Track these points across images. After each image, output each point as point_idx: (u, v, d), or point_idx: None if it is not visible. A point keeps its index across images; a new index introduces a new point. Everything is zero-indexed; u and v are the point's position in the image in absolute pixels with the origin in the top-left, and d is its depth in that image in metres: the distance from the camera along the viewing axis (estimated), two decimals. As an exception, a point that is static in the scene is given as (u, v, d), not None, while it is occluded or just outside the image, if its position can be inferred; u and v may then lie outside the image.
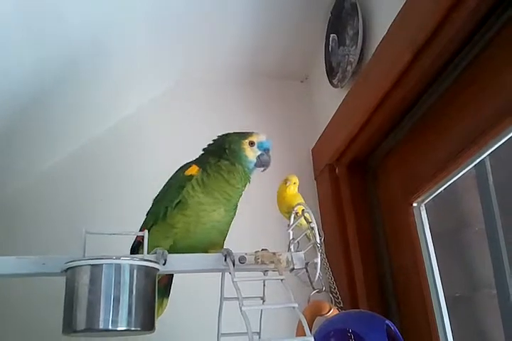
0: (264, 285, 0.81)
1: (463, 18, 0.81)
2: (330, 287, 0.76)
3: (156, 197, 0.87)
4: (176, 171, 0.86)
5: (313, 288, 0.77)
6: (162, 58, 1.42)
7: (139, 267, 0.66)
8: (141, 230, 0.82)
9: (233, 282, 0.69)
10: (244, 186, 0.84)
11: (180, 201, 0.79)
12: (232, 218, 0.86)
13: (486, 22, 0.83)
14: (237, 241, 0.85)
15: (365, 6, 1.15)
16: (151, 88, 1.48)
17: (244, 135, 0.84)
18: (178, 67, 1.49)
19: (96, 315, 0.62)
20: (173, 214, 0.79)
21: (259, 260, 0.78)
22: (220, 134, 0.89)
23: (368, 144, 1.18)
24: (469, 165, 0.93)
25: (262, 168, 0.85)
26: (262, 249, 0.81)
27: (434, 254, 1.05)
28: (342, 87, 1.24)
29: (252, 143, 0.83)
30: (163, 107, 1.47)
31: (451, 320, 1.01)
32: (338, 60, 1.28)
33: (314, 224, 0.77)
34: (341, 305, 0.73)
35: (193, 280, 0.87)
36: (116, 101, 1.43)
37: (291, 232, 0.85)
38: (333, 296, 0.75)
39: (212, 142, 0.89)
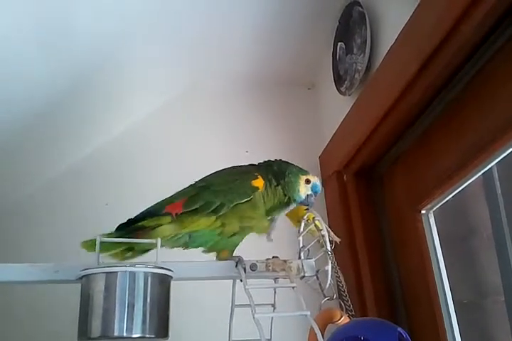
0: (274, 292, 0.81)
1: (470, 29, 0.83)
2: (341, 294, 0.77)
3: (202, 184, 0.83)
4: (242, 170, 0.85)
5: (324, 295, 0.77)
6: (169, 67, 1.44)
7: (153, 274, 0.67)
8: (169, 203, 0.80)
9: (245, 289, 0.70)
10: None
11: (236, 205, 0.80)
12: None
13: (493, 34, 0.84)
14: (247, 249, 0.85)
15: (373, 15, 1.16)
16: (158, 96, 1.50)
17: (302, 171, 0.86)
18: (185, 76, 1.51)
19: (111, 323, 0.63)
20: (226, 213, 0.79)
21: (270, 267, 0.79)
22: (277, 159, 0.89)
23: (376, 151, 1.18)
24: (477, 173, 0.94)
25: (305, 207, 0.87)
26: (273, 257, 0.82)
27: (442, 261, 1.05)
28: (350, 95, 1.25)
29: (308, 181, 0.85)
30: (170, 116, 1.48)
31: (460, 326, 1.01)
32: (346, 68, 1.29)
33: (325, 232, 0.78)
34: (352, 312, 0.74)
35: (202, 287, 0.88)
36: (122, 111, 1.44)
37: (301, 239, 0.85)
38: (345, 304, 0.75)
39: (272, 161, 0.89)
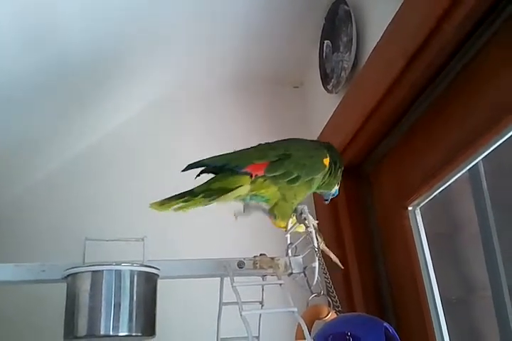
0: (262, 289, 0.82)
1: (454, 26, 0.84)
2: (328, 291, 0.77)
3: (283, 152, 0.81)
4: (315, 145, 0.87)
5: (311, 292, 0.77)
6: (156, 66, 1.43)
7: (140, 273, 0.67)
8: (251, 162, 0.78)
9: (232, 287, 0.70)
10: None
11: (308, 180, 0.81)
12: None
13: (476, 32, 0.85)
14: (235, 246, 0.85)
15: (359, 14, 1.16)
16: (146, 95, 1.50)
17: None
18: (171, 74, 1.50)
19: (97, 321, 0.62)
20: (301, 187, 0.80)
21: (258, 265, 0.79)
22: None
23: (363, 149, 1.19)
24: (463, 169, 0.95)
25: (326, 201, 0.92)
26: (261, 254, 0.82)
27: (429, 257, 1.06)
28: (337, 93, 1.26)
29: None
30: (156, 115, 1.48)
31: (447, 322, 1.02)
32: (332, 66, 1.30)
33: (312, 229, 0.78)
34: (340, 308, 0.74)
35: (190, 284, 0.88)
36: (112, 109, 1.44)
37: (288, 236, 0.86)
38: (332, 300, 0.75)
39: (326, 142, 0.92)
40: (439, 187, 1.02)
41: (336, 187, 0.90)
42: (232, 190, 0.75)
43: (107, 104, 1.40)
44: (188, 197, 0.74)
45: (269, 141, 0.88)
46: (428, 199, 1.06)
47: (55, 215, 1.27)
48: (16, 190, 1.29)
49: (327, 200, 0.93)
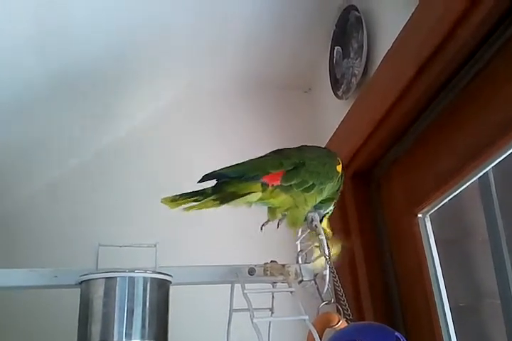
0: (272, 296, 0.82)
1: (466, 34, 0.83)
2: (338, 299, 0.77)
3: (298, 161, 0.81)
4: (327, 153, 0.87)
5: (322, 299, 0.78)
6: (165, 72, 1.44)
7: (152, 280, 0.68)
8: (267, 173, 0.77)
9: (243, 294, 0.70)
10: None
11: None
12: None
13: (490, 38, 0.85)
14: (245, 252, 0.86)
15: (370, 20, 1.17)
16: (156, 98, 1.50)
17: None
18: (182, 78, 1.51)
19: (110, 328, 0.63)
20: (313, 194, 0.80)
21: (269, 272, 0.79)
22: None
23: (373, 155, 1.19)
24: (474, 177, 0.95)
25: None
26: (271, 261, 0.83)
27: (439, 265, 1.06)
28: (346, 99, 1.26)
29: None
30: (167, 118, 1.48)
31: (456, 329, 1.02)
32: (343, 72, 1.30)
33: (323, 236, 0.78)
34: (350, 316, 0.74)
35: (201, 291, 0.88)
36: (121, 113, 1.45)
37: (298, 244, 0.86)
38: (342, 308, 0.75)
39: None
40: (449, 195, 1.01)
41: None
42: (243, 195, 0.75)
43: (117, 110, 1.41)
44: (199, 197, 0.73)
45: (280, 148, 0.88)
46: (438, 207, 1.06)
47: (67, 220, 1.27)
48: (29, 195, 1.30)
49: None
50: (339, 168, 0.83)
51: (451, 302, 1.03)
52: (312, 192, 0.79)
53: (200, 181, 0.76)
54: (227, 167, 0.78)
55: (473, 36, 0.84)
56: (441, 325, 1.01)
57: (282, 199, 0.79)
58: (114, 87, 1.32)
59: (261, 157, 0.83)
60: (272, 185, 0.76)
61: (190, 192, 0.74)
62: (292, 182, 0.77)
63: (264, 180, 0.76)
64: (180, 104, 1.51)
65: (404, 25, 0.98)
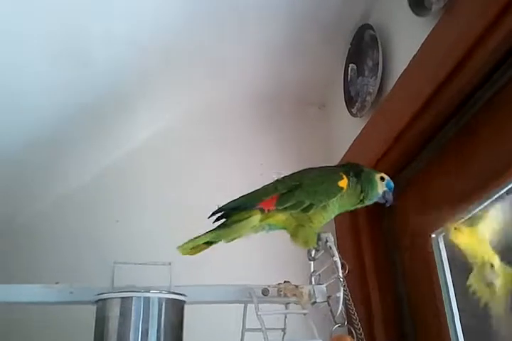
0: (285, 317, 0.82)
1: (485, 54, 0.83)
2: (352, 321, 0.77)
3: (293, 183, 0.85)
4: (327, 173, 0.87)
5: (335, 322, 0.77)
6: (180, 82, 1.46)
7: (168, 300, 0.68)
8: (262, 200, 0.82)
9: (257, 315, 0.70)
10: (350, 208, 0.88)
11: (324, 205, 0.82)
12: None
13: (508, 58, 0.85)
14: (258, 271, 0.86)
15: (385, 39, 1.17)
16: (168, 112, 1.52)
17: (375, 170, 0.90)
18: (196, 92, 1.53)
19: (125, 349, 0.63)
20: (316, 212, 0.82)
21: (282, 292, 0.79)
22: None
23: (387, 174, 1.19)
24: (490, 198, 0.94)
25: (387, 203, 0.91)
26: (285, 281, 0.82)
27: (452, 286, 1.05)
28: (361, 117, 1.26)
29: (382, 179, 0.88)
30: (184, 132, 1.50)
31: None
32: (357, 90, 1.30)
33: (337, 258, 0.78)
34: (363, 340, 0.74)
35: (211, 311, 0.88)
36: (130, 128, 1.46)
37: (312, 264, 0.86)
38: (356, 331, 0.75)
39: (345, 163, 0.94)
40: (465, 216, 1.01)
41: (378, 190, 0.88)
42: (244, 219, 0.81)
43: (134, 125, 1.43)
44: (210, 234, 0.79)
45: (287, 174, 0.90)
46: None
47: (83, 236, 1.28)
48: (44, 210, 1.31)
49: (386, 202, 0.91)
50: (342, 183, 0.83)
51: (463, 324, 1.02)
52: (312, 211, 0.81)
53: (209, 217, 0.82)
54: (228, 202, 0.83)
55: (491, 57, 0.84)
56: None
57: (283, 219, 0.82)
58: (122, 101, 1.34)
59: (265, 185, 0.87)
60: (268, 210, 0.81)
61: (201, 236, 0.80)
62: (287, 205, 0.81)
63: (260, 206, 0.81)
64: (196, 120, 1.52)
65: (422, 44, 0.98)
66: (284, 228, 0.84)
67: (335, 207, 0.85)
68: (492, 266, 0.84)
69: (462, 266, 1.10)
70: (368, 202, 0.88)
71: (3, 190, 1.23)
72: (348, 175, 0.85)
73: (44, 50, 1.01)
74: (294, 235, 0.83)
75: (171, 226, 1.22)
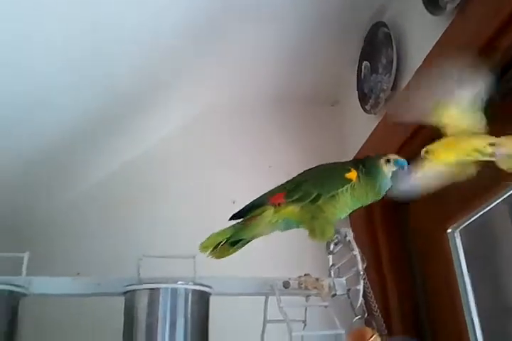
0: (306, 309, 0.83)
1: (497, 55, 0.84)
2: (372, 313, 0.78)
3: (301, 179, 0.88)
4: (334, 166, 0.90)
5: (355, 314, 0.79)
6: (194, 81, 1.48)
7: (194, 291, 0.70)
8: (272, 195, 0.86)
9: (279, 307, 0.72)
10: (372, 200, 0.88)
11: (332, 195, 0.84)
12: None
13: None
14: (278, 263, 0.88)
15: (399, 37, 1.18)
16: (183, 111, 1.54)
17: (379, 155, 0.90)
18: (208, 92, 1.54)
19: (154, 339, 0.65)
20: (326, 202, 0.84)
21: (303, 285, 0.81)
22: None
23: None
24: (507, 192, 0.95)
25: (404, 181, 0.88)
26: (305, 274, 0.84)
27: (468, 280, 1.06)
28: (375, 114, 1.28)
29: (387, 161, 0.88)
30: (196, 130, 1.52)
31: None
32: (371, 87, 1.31)
33: (357, 252, 0.80)
34: (385, 332, 0.75)
35: (236, 301, 0.90)
36: (148, 126, 1.49)
37: (330, 258, 0.87)
38: (377, 323, 0.76)
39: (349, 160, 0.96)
40: (480, 211, 1.02)
41: (384, 172, 0.87)
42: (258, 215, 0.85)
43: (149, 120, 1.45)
44: (228, 230, 0.83)
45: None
46: (468, 222, 1.06)
47: (111, 228, 1.32)
48: (73, 203, 1.36)
49: (401, 178, 0.89)
50: (350, 175, 0.85)
51: (480, 317, 1.03)
52: (321, 201, 0.83)
53: (230, 219, 0.87)
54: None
55: (505, 55, 0.85)
56: (470, 339, 1.01)
57: (296, 212, 0.85)
58: (141, 98, 1.37)
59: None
60: (279, 204, 0.85)
61: (222, 233, 0.84)
62: (295, 197, 0.84)
63: (271, 202, 0.86)
64: (206, 118, 1.54)
65: (436, 43, 0.99)
66: (300, 223, 0.86)
67: (347, 199, 0.85)
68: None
69: (479, 258, 1.11)
70: (383, 190, 0.87)
71: (33, 179, 1.27)
72: (357, 168, 0.87)
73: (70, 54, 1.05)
74: (310, 229, 0.85)
75: (195, 219, 1.26)
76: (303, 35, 1.36)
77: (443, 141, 0.80)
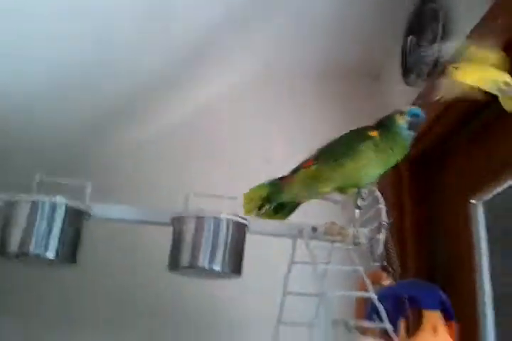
0: (330, 253, 0.92)
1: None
2: (390, 262, 0.86)
3: (328, 144, 0.94)
4: (356, 129, 0.95)
5: (374, 260, 0.87)
6: (238, 53, 1.54)
7: (234, 222, 0.81)
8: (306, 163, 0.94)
9: (308, 249, 0.82)
10: (401, 154, 0.91)
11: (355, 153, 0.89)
12: None
13: None
14: (306, 212, 0.97)
15: (446, 11, 1.20)
16: (229, 79, 1.60)
17: (394, 110, 0.94)
18: (253, 61, 1.60)
19: (198, 255, 0.77)
20: (348, 160, 0.89)
21: (328, 232, 0.89)
22: None
23: (435, 142, 1.24)
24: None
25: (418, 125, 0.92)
26: (331, 222, 0.92)
27: (487, 253, 1.10)
28: (418, 87, 1.31)
29: (401, 113, 0.91)
30: (241, 97, 1.62)
31: (497, 317, 1.05)
32: (415, 61, 1.35)
33: (382, 205, 0.87)
34: (398, 279, 0.83)
35: (267, 242, 1.00)
36: (196, 88, 1.58)
37: (357, 211, 0.95)
38: (393, 268, 0.84)
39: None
40: (505, 183, 1.06)
41: (399, 124, 0.89)
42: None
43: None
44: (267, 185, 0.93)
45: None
46: (492, 194, 1.10)
47: (164, 166, 1.50)
48: (137, 139, 1.52)
49: (416, 125, 0.92)
50: (371, 132, 0.90)
51: (495, 291, 1.06)
52: (345, 158, 0.88)
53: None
54: None
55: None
56: (480, 313, 1.05)
57: (327, 169, 0.90)
58: (190, 63, 1.46)
59: None
60: (309, 166, 0.92)
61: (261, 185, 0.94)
62: (321, 159, 0.92)
63: (303, 167, 0.93)
64: (251, 88, 1.62)
65: (482, 17, 1.02)
66: (331, 180, 0.91)
67: (371, 155, 0.88)
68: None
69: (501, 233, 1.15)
70: (406, 141, 0.90)
71: (102, 122, 1.42)
72: (377, 128, 0.91)
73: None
74: (342, 182, 0.91)
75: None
76: (349, 8, 1.39)
77: (470, 64, 0.81)
